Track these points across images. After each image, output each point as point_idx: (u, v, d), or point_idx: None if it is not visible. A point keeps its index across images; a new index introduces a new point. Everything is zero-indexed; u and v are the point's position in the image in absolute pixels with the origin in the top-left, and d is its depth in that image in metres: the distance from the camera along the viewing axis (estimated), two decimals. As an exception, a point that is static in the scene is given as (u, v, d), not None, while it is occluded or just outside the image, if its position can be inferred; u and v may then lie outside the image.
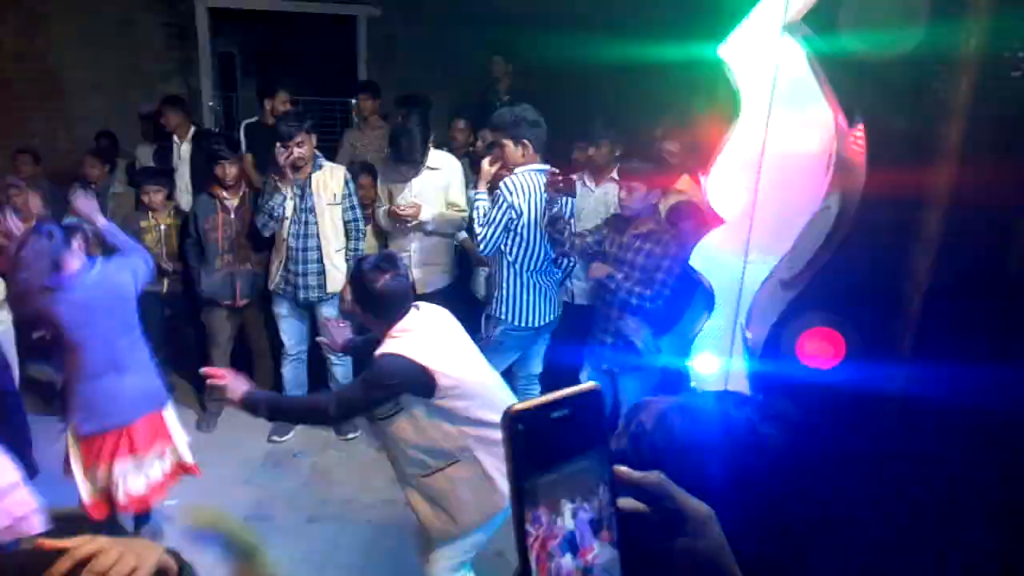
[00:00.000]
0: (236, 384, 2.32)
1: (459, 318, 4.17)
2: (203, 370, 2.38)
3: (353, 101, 5.93)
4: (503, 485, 2.60)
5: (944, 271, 0.89)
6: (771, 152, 2.36)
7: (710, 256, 2.50)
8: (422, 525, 2.56)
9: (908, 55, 0.88)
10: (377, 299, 2.35)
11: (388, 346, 2.34)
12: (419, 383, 2.30)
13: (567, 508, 0.59)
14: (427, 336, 2.40)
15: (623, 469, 0.60)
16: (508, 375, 3.76)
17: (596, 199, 3.84)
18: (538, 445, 0.58)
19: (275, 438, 4.24)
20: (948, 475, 0.89)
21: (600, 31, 4.47)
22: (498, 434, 0.57)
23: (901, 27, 0.86)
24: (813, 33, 0.88)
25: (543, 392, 3.33)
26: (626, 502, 0.61)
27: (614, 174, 3.86)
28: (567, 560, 0.58)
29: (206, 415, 4.38)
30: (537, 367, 3.70)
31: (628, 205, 3.22)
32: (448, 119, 5.19)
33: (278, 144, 3.75)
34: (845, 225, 0.91)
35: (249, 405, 2.33)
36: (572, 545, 0.59)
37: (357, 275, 2.40)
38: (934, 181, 0.88)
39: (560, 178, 3.24)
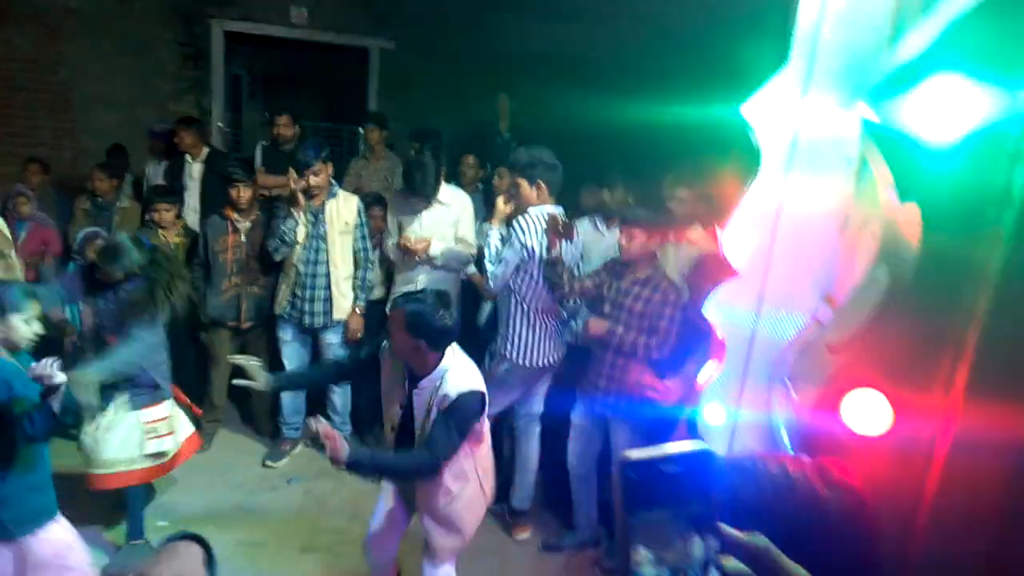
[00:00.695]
0: (342, 445, 2.33)
1: (465, 352, 4.21)
2: (319, 427, 2.32)
3: (361, 130, 6.01)
4: (488, 488, 2.77)
5: (992, 347, 0.93)
6: (787, 210, 2.43)
7: (721, 307, 2.55)
8: (433, 549, 2.75)
9: (966, 143, 0.93)
10: (439, 332, 2.49)
11: (459, 382, 2.51)
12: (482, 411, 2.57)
13: (653, 554, 0.61)
14: (467, 363, 2.64)
15: (728, 529, 0.62)
16: (509, 413, 3.78)
17: (607, 244, 3.88)
18: (646, 492, 0.60)
19: (269, 463, 4.21)
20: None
21: (617, 77, 4.57)
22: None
23: (962, 116, 0.92)
24: (874, 112, 0.93)
25: (542, 433, 3.35)
26: (729, 562, 0.62)
27: (625, 219, 3.91)
28: None
29: (202, 433, 4.34)
30: (539, 406, 3.71)
31: (628, 251, 3.28)
32: (457, 154, 5.25)
33: (293, 171, 3.80)
34: (898, 297, 0.96)
35: (354, 466, 2.37)
36: None
37: (418, 309, 2.48)
38: (985, 258, 0.92)
39: (560, 223, 3.27)
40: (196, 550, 0.90)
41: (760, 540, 0.61)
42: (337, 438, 2.33)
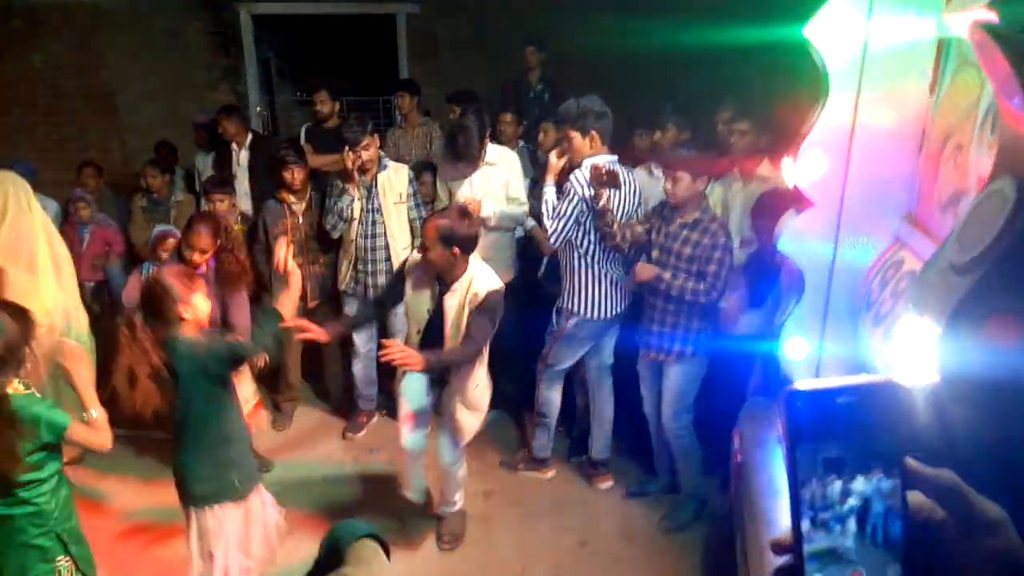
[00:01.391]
0: (416, 358, 2.74)
1: (525, 311, 4.23)
2: (391, 350, 2.69)
3: (393, 100, 5.96)
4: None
5: None
6: (859, 131, 2.35)
7: (797, 240, 2.50)
8: (461, 428, 3.20)
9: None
10: (468, 240, 2.93)
11: (486, 282, 2.97)
12: None
13: (840, 485, 0.58)
14: (483, 265, 3.09)
15: (915, 463, 0.59)
16: (580, 366, 3.79)
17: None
18: (816, 425, 0.56)
19: (349, 435, 4.32)
20: None
21: (658, 10, 4.42)
22: None
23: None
24: (997, 16, 0.88)
25: (616, 382, 3.35)
26: (915, 497, 0.60)
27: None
28: (836, 534, 0.58)
29: (280, 415, 4.48)
30: (609, 357, 3.71)
31: (673, 194, 3.17)
32: (491, 112, 5.18)
33: (346, 149, 3.81)
34: (1029, 208, 0.91)
35: (428, 367, 2.86)
36: (841, 522, 0.58)
37: (449, 223, 2.89)
38: None
39: (604, 171, 3.17)
40: (378, 548, 0.93)
41: (947, 475, 0.59)
42: (410, 353, 2.74)
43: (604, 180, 3.17)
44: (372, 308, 3.54)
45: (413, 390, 3.27)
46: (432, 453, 3.39)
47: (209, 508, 2.58)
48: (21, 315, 2.24)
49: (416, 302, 3.15)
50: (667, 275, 3.21)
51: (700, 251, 3.15)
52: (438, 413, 3.34)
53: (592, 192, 3.22)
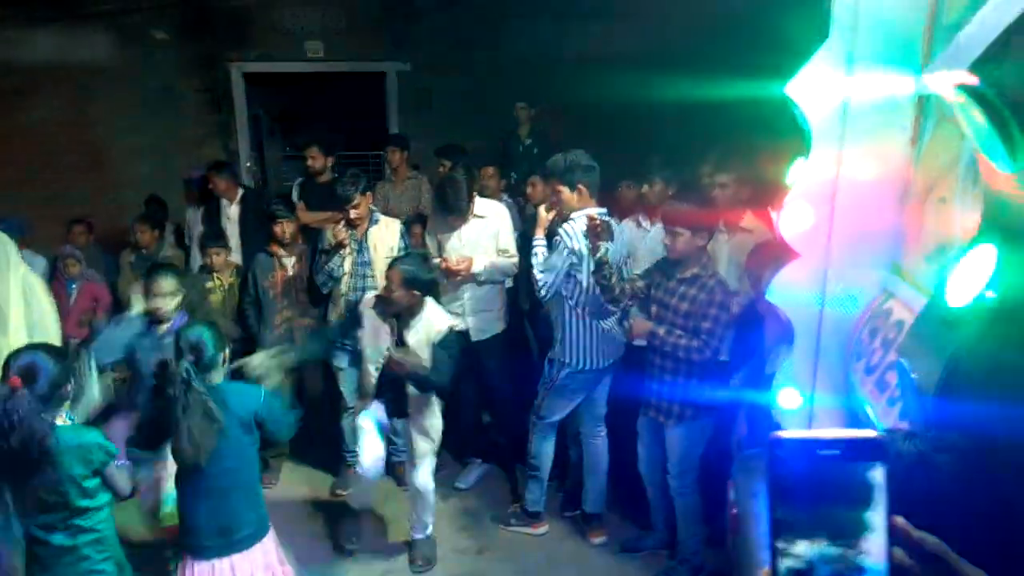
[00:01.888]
0: (410, 366, 3.18)
1: (516, 363, 4.20)
2: (392, 355, 3.21)
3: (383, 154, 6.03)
4: None
5: None
6: (843, 185, 2.39)
7: (785, 290, 2.52)
8: (418, 453, 3.48)
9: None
10: (429, 283, 3.33)
11: (441, 317, 3.38)
12: None
13: (816, 547, 0.57)
14: (432, 303, 3.41)
15: (903, 523, 0.59)
16: (573, 418, 3.76)
17: (652, 238, 3.86)
18: (798, 478, 0.55)
19: (339, 491, 4.24)
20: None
21: (644, 71, 4.55)
22: None
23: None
24: (977, 80, 0.91)
25: (609, 433, 3.32)
26: (900, 555, 0.60)
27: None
28: None
29: (268, 470, 4.39)
30: (602, 408, 3.69)
31: (673, 249, 3.15)
32: (479, 166, 5.23)
33: (338, 226, 3.87)
34: (1013, 266, 0.93)
35: (414, 378, 3.24)
36: None
37: (412, 267, 3.26)
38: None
39: (597, 223, 3.19)
40: None
41: (932, 540, 0.58)
42: (406, 363, 3.18)
43: (600, 233, 3.19)
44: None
45: (371, 425, 3.43)
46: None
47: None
48: (60, 353, 2.44)
49: (374, 341, 3.40)
50: (661, 331, 3.18)
51: (696, 307, 3.11)
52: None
53: (590, 245, 3.22)
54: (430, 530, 3.63)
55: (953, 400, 0.99)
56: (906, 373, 1.09)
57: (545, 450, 3.71)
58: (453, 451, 4.57)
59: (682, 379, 3.20)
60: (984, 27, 0.92)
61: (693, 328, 3.12)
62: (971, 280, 1.05)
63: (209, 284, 4.32)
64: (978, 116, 0.93)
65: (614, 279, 3.26)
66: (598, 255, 3.20)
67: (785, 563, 0.58)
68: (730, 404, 3.20)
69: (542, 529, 3.84)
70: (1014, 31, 0.87)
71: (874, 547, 0.57)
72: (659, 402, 3.28)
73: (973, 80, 0.92)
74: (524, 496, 3.85)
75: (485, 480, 4.35)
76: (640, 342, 3.37)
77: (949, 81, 0.98)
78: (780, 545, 0.57)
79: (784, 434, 0.57)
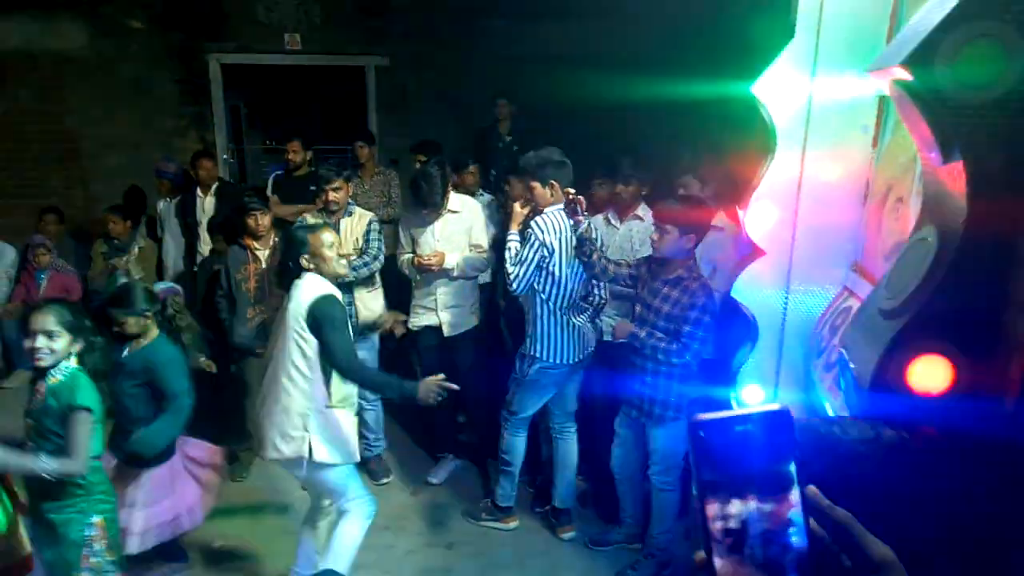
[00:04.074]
0: None
1: (488, 358, 4.21)
2: None
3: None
4: None
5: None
6: (806, 184, 2.44)
7: (750, 287, 2.56)
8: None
9: (1008, 95, 0.94)
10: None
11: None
12: None
13: (742, 508, 0.62)
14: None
15: (815, 491, 0.62)
16: (543, 414, 3.79)
17: (621, 236, 3.89)
18: (719, 453, 0.60)
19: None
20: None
21: (618, 70, 4.59)
22: None
23: (1000, 69, 0.92)
24: (911, 76, 0.94)
25: (579, 430, 3.34)
26: (815, 525, 0.63)
27: (638, 211, 3.92)
28: (733, 553, 0.60)
29: (237, 465, 4.38)
30: (573, 404, 3.72)
31: (659, 248, 3.14)
32: (459, 162, 5.23)
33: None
34: (947, 255, 0.96)
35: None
36: (744, 543, 0.61)
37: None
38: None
39: (574, 199, 3.17)
40: None
41: (842, 513, 0.62)
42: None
43: (579, 208, 3.18)
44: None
45: None
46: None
47: None
48: None
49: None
50: (642, 333, 3.17)
51: (677, 310, 3.10)
52: None
53: (571, 222, 3.25)
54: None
55: (885, 391, 1.02)
56: (846, 364, 1.12)
57: (517, 445, 3.73)
58: (425, 446, 4.58)
59: (663, 380, 3.21)
60: (918, 26, 0.95)
61: (674, 330, 3.11)
62: (909, 273, 1.08)
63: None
64: (914, 110, 0.95)
65: (595, 255, 3.27)
66: (579, 231, 3.21)
67: (718, 525, 0.62)
68: (714, 404, 3.22)
69: (513, 524, 3.86)
70: (941, 29, 0.90)
71: (796, 503, 0.61)
72: (640, 402, 3.29)
73: (907, 76, 0.95)
74: (495, 491, 3.87)
75: (457, 475, 4.36)
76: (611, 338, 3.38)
77: (887, 77, 1.01)
78: (712, 509, 0.61)
79: (704, 416, 0.61)
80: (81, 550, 2.60)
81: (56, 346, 2.53)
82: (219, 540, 3.73)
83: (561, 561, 3.63)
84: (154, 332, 3.12)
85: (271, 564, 3.55)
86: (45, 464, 2.44)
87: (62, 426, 2.51)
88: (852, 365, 1.05)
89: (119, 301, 3.08)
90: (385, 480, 4.28)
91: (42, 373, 2.55)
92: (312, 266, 2.97)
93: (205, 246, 5.12)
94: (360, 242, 4.05)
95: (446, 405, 4.34)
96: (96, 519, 2.63)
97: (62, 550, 2.59)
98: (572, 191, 3.22)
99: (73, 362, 2.58)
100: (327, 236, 3.01)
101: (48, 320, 2.53)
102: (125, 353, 3.09)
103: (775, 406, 0.63)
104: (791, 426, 0.61)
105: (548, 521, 3.86)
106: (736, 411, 0.62)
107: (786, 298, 2.50)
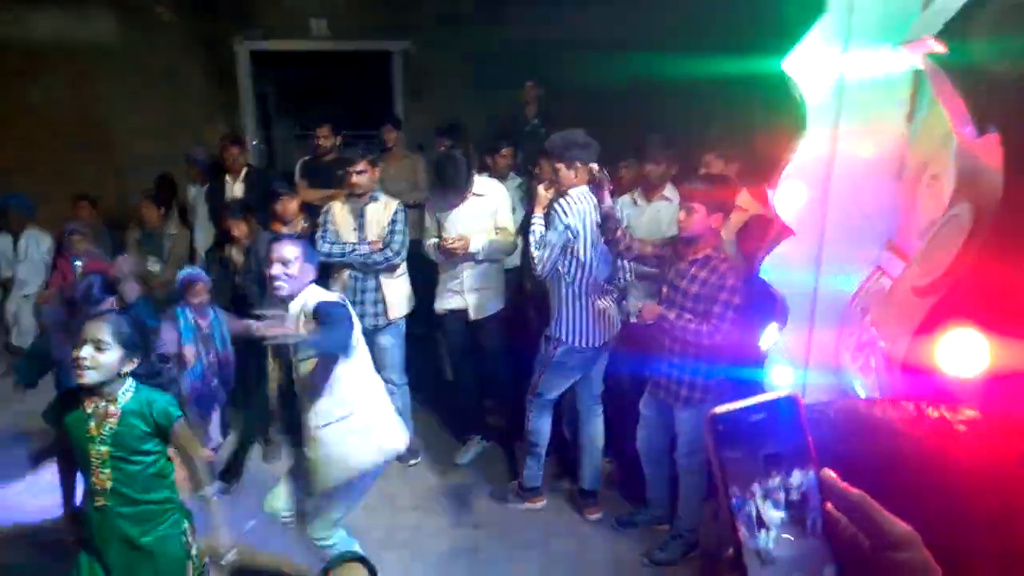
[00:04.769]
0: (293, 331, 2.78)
1: (514, 341, 4.21)
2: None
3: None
4: None
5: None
6: (839, 162, 2.39)
7: (780, 268, 2.52)
8: None
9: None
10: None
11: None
12: None
13: (761, 491, 0.63)
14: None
15: (830, 475, 0.62)
16: (570, 395, 3.79)
17: (648, 216, 3.86)
18: (735, 442, 0.61)
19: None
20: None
21: (647, 53, 4.54)
22: None
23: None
24: (946, 48, 0.91)
25: (605, 411, 3.34)
26: (830, 508, 0.63)
27: (665, 192, 3.89)
28: (760, 536, 0.61)
29: (270, 447, 4.45)
30: (598, 386, 3.71)
31: (686, 226, 3.10)
32: (488, 146, 5.22)
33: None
34: (983, 231, 0.93)
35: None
36: (763, 525, 0.62)
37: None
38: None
39: (598, 176, 3.17)
40: (363, 570, 0.95)
41: (857, 494, 0.61)
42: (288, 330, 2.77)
43: (604, 184, 3.16)
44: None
45: None
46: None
47: None
48: None
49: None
50: (671, 315, 3.14)
51: (707, 290, 3.07)
52: None
53: (596, 200, 3.23)
54: None
55: (917, 369, 1.00)
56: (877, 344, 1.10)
57: (542, 427, 3.74)
58: (452, 428, 4.61)
59: (692, 362, 3.18)
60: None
61: (704, 311, 3.08)
62: (943, 250, 1.05)
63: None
64: (948, 84, 0.93)
65: (620, 233, 3.25)
66: (605, 206, 3.20)
67: (743, 516, 0.62)
68: (743, 386, 3.19)
69: (539, 504, 3.88)
70: (977, 1, 0.87)
71: (814, 487, 0.62)
72: (668, 384, 3.28)
73: (941, 48, 0.92)
74: (522, 472, 3.89)
75: (484, 457, 4.39)
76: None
77: (921, 50, 0.98)
78: (736, 499, 0.62)
79: (720, 409, 0.62)
80: (185, 562, 2.52)
81: (105, 359, 2.29)
82: (251, 521, 3.79)
83: (587, 542, 3.64)
84: None
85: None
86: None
87: (146, 442, 2.40)
88: (883, 344, 1.03)
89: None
90: (413, 462, 4.32)
91: (91, 391, 2.33)
92: None
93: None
94: (385, 231, 4.05)
95: (473, 387, 4.40)
96: (186, 526, 2.56)
97: (165, 572, 2.48)
98: (596, 167, 3.20)
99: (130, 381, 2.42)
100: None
101: (102, 329, 2.30)
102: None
103: (784, 392, 0.63)
104: (801, 411, 0.62)
105: (575, 502, 3.88)
106: (748, 401, 0.64)
107: (816, 279, 2.46)
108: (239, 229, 4.22)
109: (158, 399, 2.44)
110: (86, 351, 2.27)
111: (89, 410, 2.35)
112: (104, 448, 2.34)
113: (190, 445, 2.51)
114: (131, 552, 2.43)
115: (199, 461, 2.53)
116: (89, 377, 2.28)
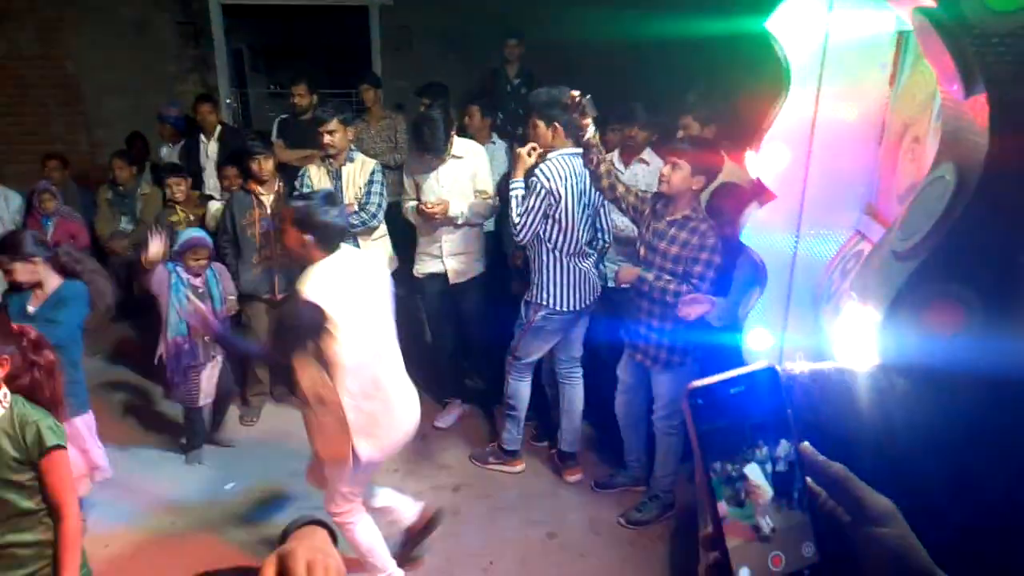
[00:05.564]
0: (212, 321, 2.91)
1: (494, 305, 4.19)
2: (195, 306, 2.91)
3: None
4: None
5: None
6: (820, 125, 2.36)
7: (759, 232, 2.51)
8: None
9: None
10: (325, 228, 2.62)
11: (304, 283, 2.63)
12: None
13: (743, 464, 0.62)
14: (328, 273, 2.66)
15: (809, 448, 0.62)
16: (549, 359, 3.80)
17: (627, 179, 3.82)
18: (714, 415, 0.60)
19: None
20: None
21: (619, 7, 4.45)
22: None
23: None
24: (935, 2, 0.88)
25: (584, 375, 3.35)
26: (811, 483, 0.63)
27: (644, 156, 3.85)
28: (744, 511, 0.60)
29: (248, 409, 4.44)
30: (578, 350, 3.72)
31: (668, 181, 3.06)
32: (464, 105, 5.12)
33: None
34: (966, 194, 0.91)
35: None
36: (744, 500, 0.61)
37: (307, 205, 2.63)
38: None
39: (577, 99, 3.07)
40: (323, 532, 0.94)
41: (837, 467, 0.61)
42: (207, 314, 2.88)
43: (584, 110, 3.06)
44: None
45: None
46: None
47: None
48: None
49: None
50: (650, 276, 3.12)
51: (687, 251, 3.06)
52: None
53: (579, 129, 3.14)
54: None
55: (899, 330, 0.99)
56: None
57: (522, 390, 3.75)
58: (432, 391, 4.61)
59: (670, 324, 3.17)
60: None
61: (683, 272, 3.08)
62: (925, 213, 1.04)
63: (173, 218, 4.30)
64: (936, 40, 0.90)
65: (604, 166, 3.18)
66: (585, 136, 3.12)
67: (725, 492, 0.62)
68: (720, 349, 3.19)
69: (519, 467, 3.91)
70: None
71: (794, 460, 0.62)
72: (646, 346, 3.27)
73: (930, 2, 0.89)
74: (501, 435, 3.91)
75: (463, 420, 4.41)
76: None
77: (908, 4, 0.95)
78: (716, 474, 0.61)
79: (698, 384, 0.61)
80: None
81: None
82: (230, 483, 3.80)
83: (566, 503, 3.68)
84: (54, 281, 2.95)
85: (281, 506, 3.61)
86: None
87: (21, 472, 1.93)
88: (861, 308, 1.02)
89: (4, 247, 2.90)
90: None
91: None
92: None
93: (214, 192, 5.08)
94: (361, 192, 3.98)
95: (452, 351, 4.39)
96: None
97: None
98: (577, 93, 3.10)
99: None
100: None
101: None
102: (31, 309, 2.90)
103: (762, 364, 0.62)
104: (779, 383, 0.62)
105: (554, 464, 3.91)
106: (727, 374, 0.62)
107: (796, 242, 2.46)
108: (178, 190, 4.15)
109: (41, 419, 1.94)
110: None
111: None
112: None
113: (63, 495, 1.93)
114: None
115: (69, 527, 1.93)
116: None
